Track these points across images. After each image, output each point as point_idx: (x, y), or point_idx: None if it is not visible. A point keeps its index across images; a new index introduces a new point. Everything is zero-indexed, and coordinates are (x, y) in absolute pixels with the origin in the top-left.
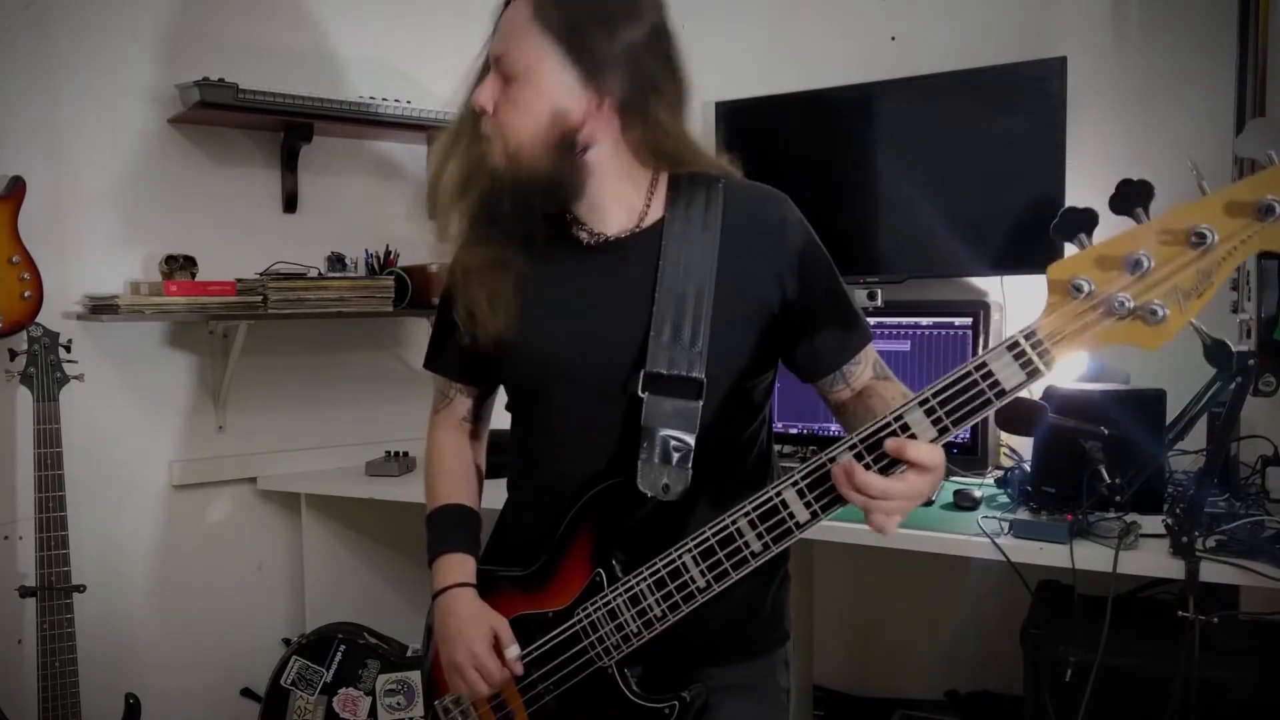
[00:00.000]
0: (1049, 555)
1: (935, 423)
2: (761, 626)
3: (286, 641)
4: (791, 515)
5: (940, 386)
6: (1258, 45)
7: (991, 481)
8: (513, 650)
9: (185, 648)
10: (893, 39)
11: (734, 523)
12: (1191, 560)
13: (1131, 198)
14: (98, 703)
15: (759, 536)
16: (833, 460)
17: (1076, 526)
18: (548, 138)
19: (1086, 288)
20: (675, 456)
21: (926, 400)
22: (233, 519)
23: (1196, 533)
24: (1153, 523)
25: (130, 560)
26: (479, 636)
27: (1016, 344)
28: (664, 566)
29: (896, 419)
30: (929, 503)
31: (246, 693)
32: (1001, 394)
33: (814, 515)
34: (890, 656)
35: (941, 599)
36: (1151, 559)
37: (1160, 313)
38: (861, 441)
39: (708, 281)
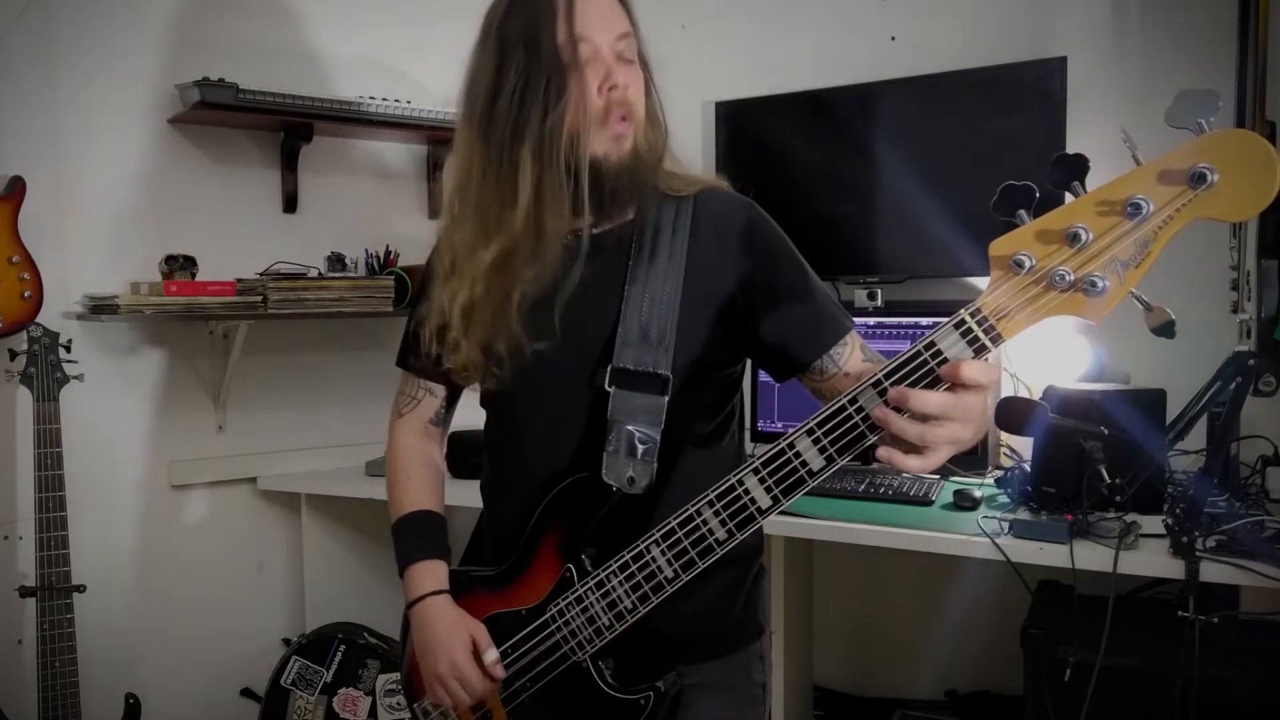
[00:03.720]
0: (1049, 555)
1: (887, 402)
2: (735, 622)
3: (286, 641)
4: (753, 500)
5: (892, 367)
6: (1258, 45)
7: (991, 481)
8: (490, 655)
9: (185, 648)
10: (893, 39)
11: (697, 511)
12: (1191, 560)
13: (1067, 172)
14: (98, 703)
15: (722, 523)
16: (790, 445)
17: (1076, 526)
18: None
19: (1028, 263)
20: (641, 450)
21: (879, 382)
22: (233, 519)
23: (1196, 533)
24: (1153, 523)
25: (130, 560)
26: (459, 647)
27: (962, 321)
28: (631, 558)
29: (851, 402)
30: (927, 502)
31: (246, 693)
32: None
33: (775, 500)
34: (890, 656)
35: (941, 599)
36: (1151, 559)
37: (1100, 284)
38: (819, 426)
39: (675, 280)
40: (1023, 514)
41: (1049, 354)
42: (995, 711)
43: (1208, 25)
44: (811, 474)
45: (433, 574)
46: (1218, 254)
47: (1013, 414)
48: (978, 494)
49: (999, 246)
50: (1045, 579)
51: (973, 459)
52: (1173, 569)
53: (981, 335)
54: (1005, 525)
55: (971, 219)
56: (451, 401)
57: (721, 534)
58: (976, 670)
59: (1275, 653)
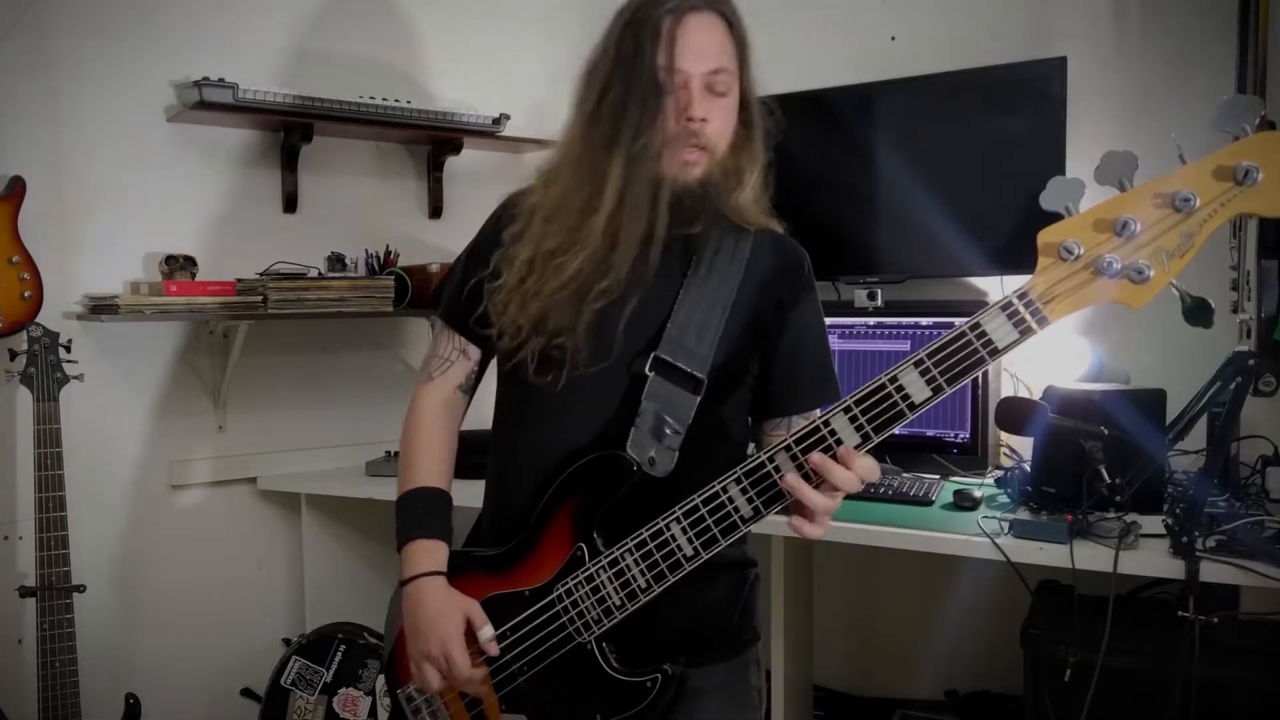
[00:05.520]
0: (1049, 555)
1: (929, 381)
2: (733, 628)
3: (286, 641)
4: (783, 478)
5: (935, 346)
6: (1258, 45)
7: (991, 481)
8: (486, 631)
9: (185, 648)
10: (893, 39)
11: (723, 488)
12: (1191, 560)
13: (1116, 168)
14: (98, 703)
15: (749, 500)
16: (825, 422)
17: (1076, 526)
18: (725, 145)
19: (1077, 250)
20: (666, 436)
21: (921, 360)
22: (233, 519)
23: (1196, 533)
24: (1153, 523)
25: (130, 560)
26: (451, 626)
27: (1010, 304)
28: (650, 535)
29: (892, 380)
30: (927, 502)
31: (246, 693)
32: (995, 351)
33: (807, 477)
34: (890, 656)
35: (941, 599)
36: (1151, 559)
37: (1146, 272)
38: (857, 404)
39: (724, 303)
40: (1023, 514)
41: (1049, 354)
42: (995, 711)
43: (1208, 25)
44: None
45: (431, 554)
46: (1218, 254)
47: (1013, 414)
48: (978, 494)
49: (1048, 234)
50: (1045, 579)
51: (973, 459)
52: (1173, 569)
53: (1028, 318)
54: (1005, 525)
55: (971, 219)
56: (482, 367)
57: (747, 511)
58: (976, 670)
59: (1275, 653)
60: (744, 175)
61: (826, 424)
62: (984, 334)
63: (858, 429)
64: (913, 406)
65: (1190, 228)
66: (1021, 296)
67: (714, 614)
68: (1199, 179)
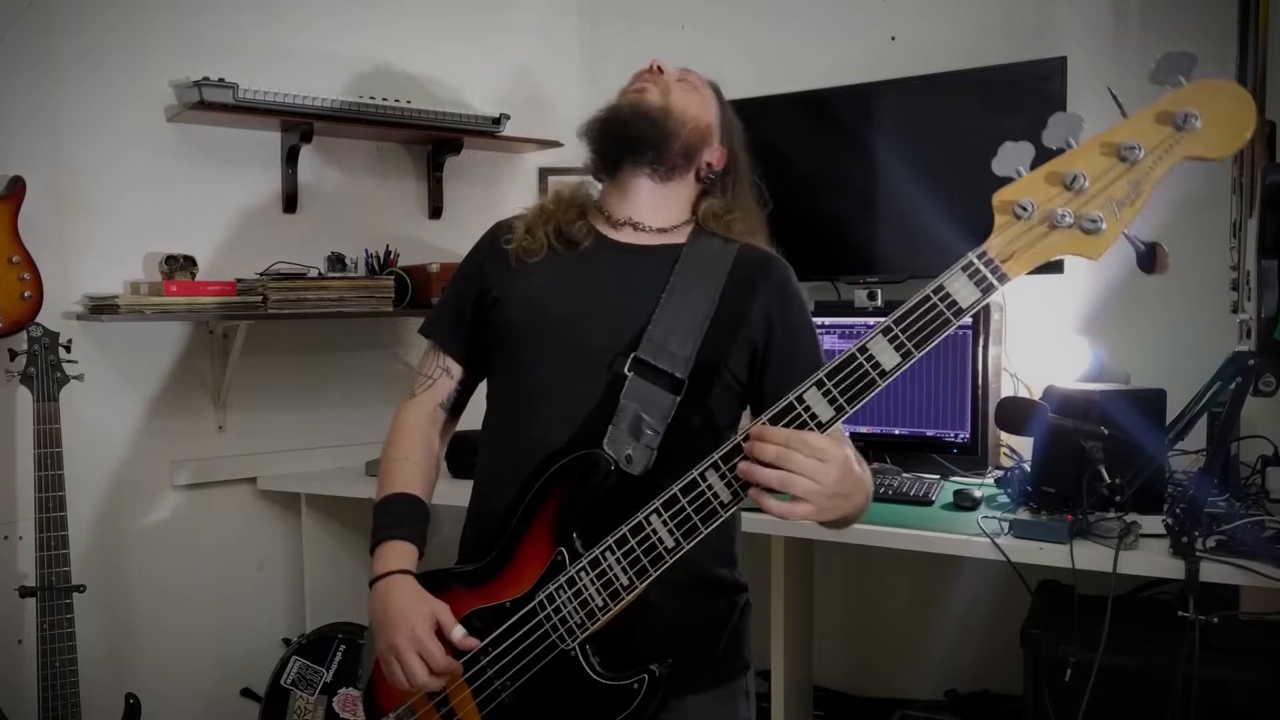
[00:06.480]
0: (1049, 555)
1: (898, 347)
2: (721, 656)
3: (286, 641)
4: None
5: (901, 313)
6: (1258, 45)
7: (991, 481)
8: (457, 631)
9: (185, 648)
10: (893, 39)
11: (701, 476)
12: (1191, 560)
13: (1062, 129)
14: (98, 703)
15: (728, 485)
16: (799, 399)
17: (1076, 526)
18: (692, 122)
19: (1030, 207)
20: (644, 435)
21: (890, 329)
22: (233, 519)
23: (1196, 533)
24: (1153, 523)
25: (130, 560)
26: (419, 619)
27: (970, 263)
28: (630, 531)
29: (862, 350)
30: (927, 502)
31: (246, 693)
32: (959, 311)
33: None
34: (890, 656)
35: (941, 599)
36: (1151, 559)
37: (1099, 223)
38: (829, 377)
39: (708, 306)
40: (1023, 514)
41: (1049, 354)
42: (995, 711)
43: (1208, 26)
44: (821, 426)
45: (402, 555)
46: (1218, 254)
47: (1013, 414)
48: (978, 494)
49: (1002, 195)
50: (1045, 579)
51: (973, 459)
52: (1173, 569)
53: (989, 275)
54: (1005, 525)
55: (971, 219)
56: (465, 388)
57: (726, 496)
58: (976, 670)
59: (1275, 653)
60: (735, 225)
61: (800, 400)
62: (947, 295)
63: (830, 401)
64: (883, 374)
65: (1137, 176)
66: (980, 255)
67: (699, 637)
68: (1142, 128)
